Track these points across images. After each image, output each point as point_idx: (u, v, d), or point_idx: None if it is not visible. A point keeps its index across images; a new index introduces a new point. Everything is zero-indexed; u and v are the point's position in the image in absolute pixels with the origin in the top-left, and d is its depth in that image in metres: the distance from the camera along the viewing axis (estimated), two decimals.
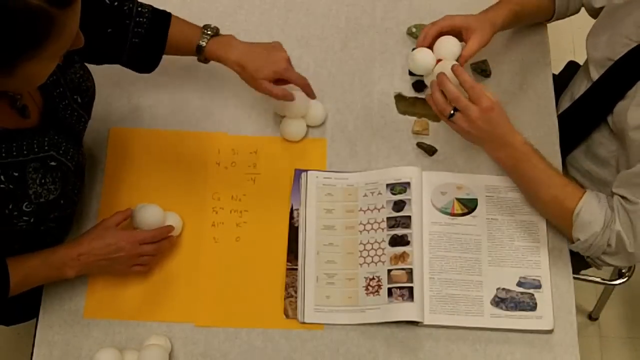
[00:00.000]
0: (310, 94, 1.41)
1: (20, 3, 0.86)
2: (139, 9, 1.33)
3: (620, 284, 1.77)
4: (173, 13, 1.53)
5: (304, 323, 1.33)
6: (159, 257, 1.34)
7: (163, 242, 1.32)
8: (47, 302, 1.34)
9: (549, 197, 1.32)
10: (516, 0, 1.46)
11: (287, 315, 1.34)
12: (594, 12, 1.48)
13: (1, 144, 1.08)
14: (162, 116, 1.49)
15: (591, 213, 1.28)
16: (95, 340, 1.31)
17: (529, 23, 1.55)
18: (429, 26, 1.39)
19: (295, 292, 1.35)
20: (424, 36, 1.38)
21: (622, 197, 1.28)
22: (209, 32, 1.37)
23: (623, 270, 1.73)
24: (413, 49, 1.55)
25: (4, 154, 1.08)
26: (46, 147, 1.15)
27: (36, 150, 1.13)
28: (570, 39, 2.26)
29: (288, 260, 1.37)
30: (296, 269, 1.37)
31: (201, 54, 1.37)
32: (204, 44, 1.36)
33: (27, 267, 1.22)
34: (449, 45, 1.36)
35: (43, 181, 1.14)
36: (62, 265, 1.25)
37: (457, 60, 1.35)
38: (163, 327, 1.33)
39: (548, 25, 1.59)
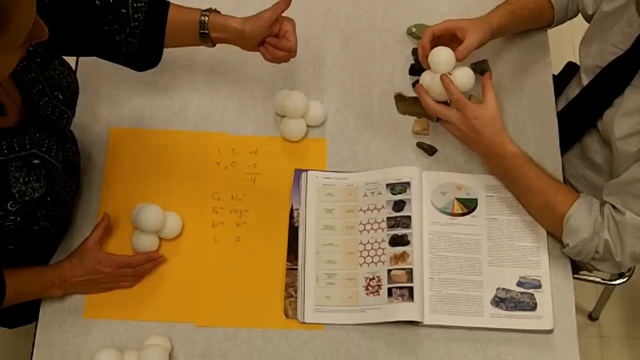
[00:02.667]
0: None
1: None
2: None
3: (620, 284, 1.77)
4: None
5: (304, 323, 1.33)
6: (145, 275, 1.35)
7: (144, 266, 1.33)
8: (47, 302, 1.33)
9: (540, 204, 1.34)
10: (512, 0, 1.48)
11: (287, 315, 1.34)
12: (589, 17, 1.49)
13: None
14: (162, 116, 1.49)
15: (580, 219, 1.30)
16: (95, 340, 1.31)
17: (529, 28, 1.56)
18: (424, 35, 1.38)
19: (295, 292, 1.35)
20: (421, 48, 1.37)
21: (612, 205, 1.30)
22: (207, 11, 1.34)
23: (623, 270, 1.73)
24: (414, 49, 1.56)
25: None
26: (27, 145, 1.14)
27: (17, 149, 1.12)
28: (570, 39, 2.25)
29: (288, 260, 1.37)
30: (296, 269, 1.37)
31: (205, 28, 1.34)
32: (206, 18, 1.33)
33: (22, 281, 1.24)
34: (443, 56, 1.35)
35: (27, 179, 1.13)
36: (51, 286, 1.29)
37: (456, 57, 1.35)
38: (163, 327, 1.33)
39: None
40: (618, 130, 1.33)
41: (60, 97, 1.23)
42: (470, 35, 1.37)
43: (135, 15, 1.30)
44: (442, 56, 1.34)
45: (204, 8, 1.35)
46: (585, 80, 1.47)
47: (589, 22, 1.50)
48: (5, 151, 1.10)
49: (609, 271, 1.40)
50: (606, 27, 1.41)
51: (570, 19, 1.56)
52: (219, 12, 1.37)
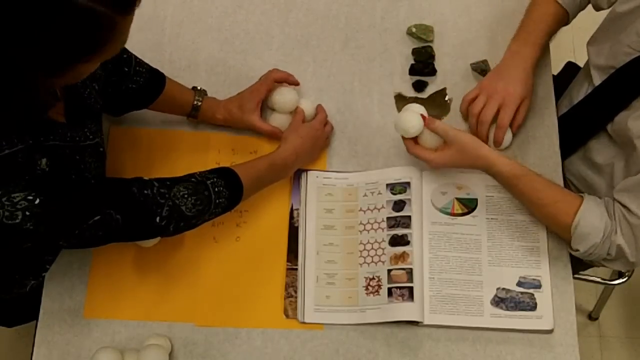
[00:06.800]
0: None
1: (87, 9, 0.88)
2: (137, 61, 1.37)
3: (620, 284, 1.77)
4: (173, 13, 1.53)
5: (304, 323, 1.33)
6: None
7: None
8: (47, 302, 1.34)
9: (543, 215, 1.34)
10: (541, 34, 1.47)
11: (287, 315, 1.34)
12: (600, 9, 1.48)
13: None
14: (162, 116, 1.48)
15: (590, 224, 1.27)
16: (95, 340, 1.31)
17: None
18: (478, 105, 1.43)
19: (295, 292, 1.35)
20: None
21: (624, 205, 1.27)
22: (200, 96, 1.44)
23: (623, 270, 1.73)
24: (414, 49, 1.55)
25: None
26: (91, 136, 1.18)
27: (91, 137, 1.18)
28: (570, 40, 2.26)
29: (288, 260, 1.37)
30: (296, 269, 1.37)
31: (196, 110, 1.43)
32: (199, 103, 1.43)
33: (256, 171, 1.32)
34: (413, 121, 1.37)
35: (96, 165, 1.18)
36: (285, 168, 1.38)
37: (510, 127, 1.43)
38: (163, 327, 1.33)
39: None
40: (636, 129, 1.30)
41: (96, 87, 1.25)
42: (524, 106, 1.43)
43: (135, 78, 1.35)
44: (410, 122, 1.35)
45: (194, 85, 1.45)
46: (597, 80, 1.44)
47: (597, 11, 1.49)
48: (82, 139, 1.15)
49: (621, 269, 1.41)
50: (620, 28, 1.39)
51: (582, 10, 1.54)
52: (205, 91, 1.45)
